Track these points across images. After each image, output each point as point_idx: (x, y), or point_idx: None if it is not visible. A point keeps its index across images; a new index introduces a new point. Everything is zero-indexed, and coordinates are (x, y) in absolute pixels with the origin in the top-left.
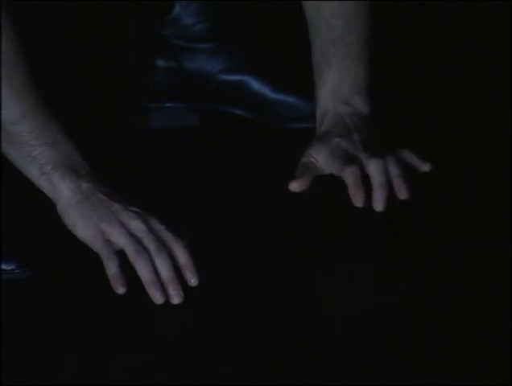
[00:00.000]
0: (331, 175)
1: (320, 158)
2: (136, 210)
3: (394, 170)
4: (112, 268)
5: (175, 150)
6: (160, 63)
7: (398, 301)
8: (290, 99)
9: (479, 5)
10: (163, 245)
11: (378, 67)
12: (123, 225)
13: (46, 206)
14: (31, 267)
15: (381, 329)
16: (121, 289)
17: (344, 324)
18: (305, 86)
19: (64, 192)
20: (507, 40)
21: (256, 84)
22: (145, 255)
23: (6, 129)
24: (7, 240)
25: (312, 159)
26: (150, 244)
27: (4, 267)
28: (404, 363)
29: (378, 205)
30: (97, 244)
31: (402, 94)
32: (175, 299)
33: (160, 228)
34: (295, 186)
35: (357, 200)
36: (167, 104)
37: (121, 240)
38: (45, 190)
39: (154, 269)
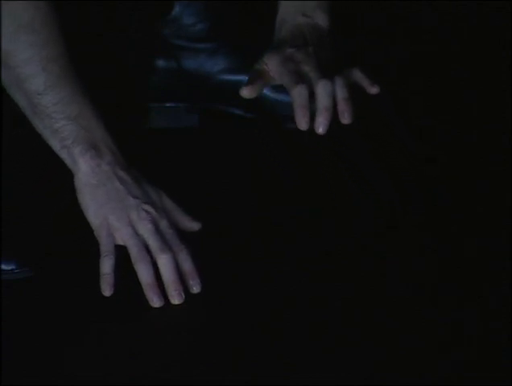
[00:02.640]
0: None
1: (273, 67)
2: (149, 209)
3: (340, 93)
4: (105, 267)
5: (175, 150)
6: (160, 63)
7: (394, 301)
8: (290, 99)
9: (479, 5)
10: (167, 247)
11: (378, 66)
12: (131, 223)
13: (46, 206)
14: (31, 267)
15: (379, 328)
16: (107, 292)
17: (342, 325)
18: None
19: (83, 168)
20: (507, 40)
21: None
22: (147, 258)
23: (31, 100)
24: (7, 240)
25: (265, 67)
26: (154, 244)
27: (4, 267)
28: (401, 362)
29: (319, 128)
30: (100, 236)
31: (400, 93)
32: (176, 299)
33: (169, 232)
34: (245, 92)
35: (302, 124)
36: (167, 104)
37: (125, 240)
38: (66, 162)
39: (156, 272)
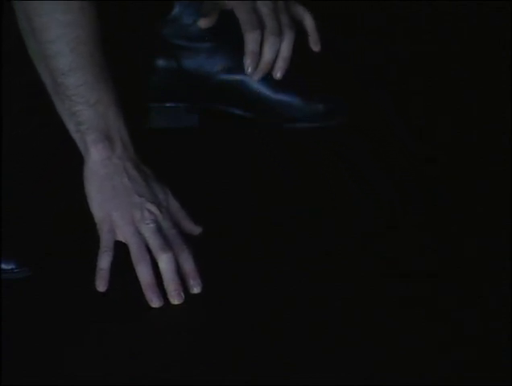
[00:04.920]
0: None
1: None
2: (153, 209)
3: (284, 51)
4: (103, 262)
5: (175, 150)
6: (160, 62)
7: (395, 301)
8: (290, 99)
9: (479, 5)
10: (168, 247)
11: (379, 66)
12: (134, 222)
13: (46, 206)
14: (31, 267)
15: (379, 328)
16: (101, 287)
17: (342, 325)
18: (305, 86)
19: (94, 157)
20: (507, 40)
21: (256, 84)
22: (147, 258)
23: (55, 78)
24: (7, 239)
25: None
26: (155, 244)
27: (4, 266)
28: (401, 362)
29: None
30: (102, 230)
31: (400, 93)
32: (176, 299)
33: (171, 232)
34: (203, 23)
35: (248, 69)
36: (167, 104)
37: (126, 238)
38: (78, 146)
39: (156, 271)
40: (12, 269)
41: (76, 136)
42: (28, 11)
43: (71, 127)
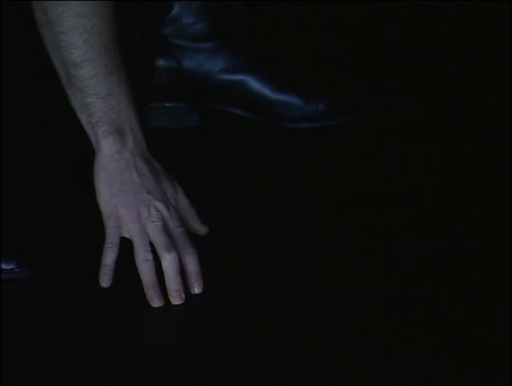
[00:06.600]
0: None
1: None
2: (160, 206)
3: None
4: (107, 258)
5: (175, 150)
6: (160, 62)
7: (395, 301)
8: (290, 99)
9: (479, 5)
10: (172, 246)
11: (379, 67)
12: (140, 219)
13: (46, 206)
14: (31, 266)
15: (380, 328)
16: (104, 283)
17: (342, 325)
18: (305, 86)
19: (104, 151)
20: (507, 40)
21: (256, 84)
22: (150, 256)
23: (67, 69)
24: (7, 240)
25: None
26: (160, 243)
27: (4, 266)
28: (401, 362)
29: None
30: (108, 226)
31: (400, 93)
32: (176, 300)
33: (177, 230)
34: None
35: None
36: (167, 104)
37: (132, 235)
38: (90, 139)
39: (159, 269)
40: (12, 269)
41: (87, 128)
42: (43, 2)
43: (82, 118)
